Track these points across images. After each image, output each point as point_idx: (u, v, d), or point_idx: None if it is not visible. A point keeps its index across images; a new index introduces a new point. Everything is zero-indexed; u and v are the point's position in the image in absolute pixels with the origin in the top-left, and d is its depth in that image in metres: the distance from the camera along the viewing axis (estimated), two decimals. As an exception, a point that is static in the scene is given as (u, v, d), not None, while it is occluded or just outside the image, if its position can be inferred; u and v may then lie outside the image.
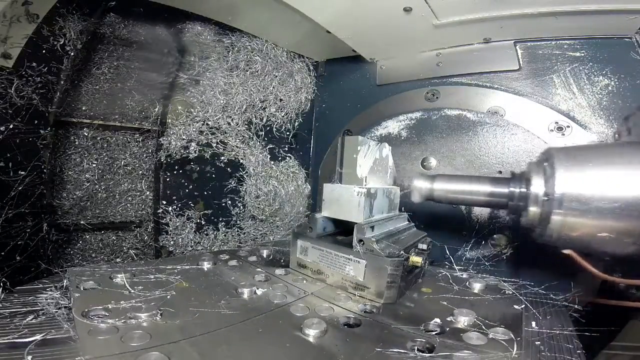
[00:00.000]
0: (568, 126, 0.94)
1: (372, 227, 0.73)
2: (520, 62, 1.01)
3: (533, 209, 0.67)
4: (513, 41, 1.01)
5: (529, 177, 0.69)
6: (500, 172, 1.01)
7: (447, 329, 0.57)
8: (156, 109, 1.10)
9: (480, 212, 1.02)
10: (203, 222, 1.16)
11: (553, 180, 0.63)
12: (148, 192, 1.15)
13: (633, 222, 0.58)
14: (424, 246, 0.79)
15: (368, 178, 0.80)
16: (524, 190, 0.71)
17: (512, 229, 0.98)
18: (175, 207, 1.10)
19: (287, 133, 1.38)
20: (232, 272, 0.78)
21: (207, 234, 1.17)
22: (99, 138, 1.05)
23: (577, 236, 0.63)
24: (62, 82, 0.88)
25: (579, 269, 0.66)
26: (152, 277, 0.69)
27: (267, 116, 1.30)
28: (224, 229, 1.21)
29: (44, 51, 0.82)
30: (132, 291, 0.60)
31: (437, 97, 1.15)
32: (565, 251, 0.65)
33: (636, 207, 0.58)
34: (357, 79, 1.35)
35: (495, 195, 0.78)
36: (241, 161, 1.23)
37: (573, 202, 0.61)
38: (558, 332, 0.57)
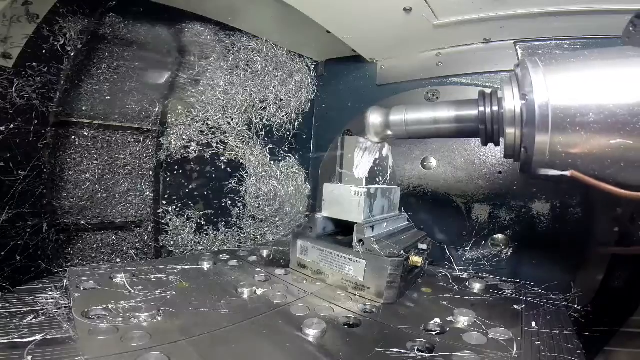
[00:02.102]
0: (568, 126, 0.94)
1: (372, 227, 0.73)
2: (520, 62, 1.01)
3: (510, 131, 0.55)
4: (513, 41, 1.01)
5: (502, 92, 0.57)
6: (500, 172, 1.01)
7: (447, 329, 0.57)
8: (156, 109, 1.10)
9: (480, 212, 1.02)
10: (203, 222, 1.16)
11: (529, 86, 0.49)
12: (148, 192, 1.15)
13: None
14: (424, 246, 0.79)
15: (368, 178, 0.80)
16: (496, 108, 0.59)
17: (512, 228, 0.98)
18: (175, 207, 1.10)
19: (287, 133, 1.38)
20: (232, 272, 0.78)
21: (207, 234, 1.17)
22: (99, 138, 1.05)
23: (579, 153, 0.47)
24: (62, 82, 0.88)
25: (591, 189, 0.49)
26: (152, 277, 0.69)
27: (267, 116, 1.30)
28: (224, 229, 1.21)
29: (44, 51, 0.82)
30: (132, 291, 0.60)
31: (437, 97, 1.15)
32: (567, 172, 0.50)
33: None
34: (357, 79, 1.35)
35: (462, 120, 0.65)
36: (241, 161, 1.23)
37: (559, 112, 0.46)
38: (558, 332, 0.57)
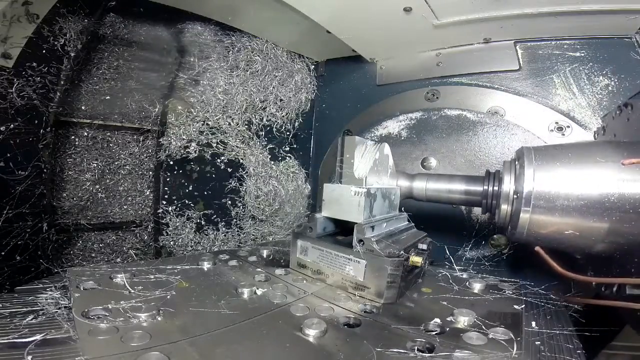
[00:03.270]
0: (568, 126, 0.94)
1: (372, 227, 0.73)
2: (520, 62, 1.02)
3: (504, 207, 0.70)
4: (513, 41, 1.01)
5: (502, 175, 0.72)
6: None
7: (447, 329, 0.57)
8: (156, 109, 1.10)
9: (481, 212, 1.02)
10: (203, 222, 1.16)
11: (522, 178, 0.65)
12: (148, 192, 1.15)
13: (598, 220, 0.59)
14: (424, 246, 0.79)
15: (368, 178, 0.80)
16: (496, 188, 0.74)
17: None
18: (175, 207, 1.10)
19: (287, 133, 1.38)
20: (232, 272, 0.78)
21: (207, 234, 1.17)
22: (99, 138, 1.05)
23: (545, 234, 0.64)
24: (62, 82, 0.88)
25: (547, 266, 0.65)
26: (152, 277, 0.69)
27: (267, 116, 1.30)
28: (224, 229, 1.21)
29: (44, 51, 0.82)
30: (132, 291, 0.60)
31: (437, 97, 1.15)
32: (535, 248, 0.66)
33: (601, 205, 0.58)
34: (357, 79, 1.35)
35: (470, 194, 0.81)
36: (241, 161, 1.23)
37: (540, 199, 0.62)
38: (558, 332, 0.57)
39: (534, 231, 0.65)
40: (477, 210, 1.03)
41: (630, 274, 0.58)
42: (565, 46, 0.96)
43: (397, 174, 0.90)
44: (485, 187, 0.77)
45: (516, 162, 0.70)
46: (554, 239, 0.65)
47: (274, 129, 1.33)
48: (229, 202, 1.22)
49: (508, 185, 0.69)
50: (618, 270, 0.62)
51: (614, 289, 0.62)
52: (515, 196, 0.67)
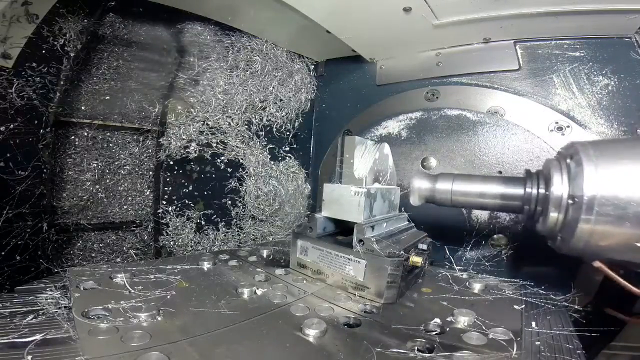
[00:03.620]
0: (568, 126, 0.94)
1: (372, 227, 0.73)
2: (520, 62, 1.02)
3: (554, 215, 0.57)
4: (513, 41, 1.01)
5: (548, 175, 0.59)
6: (500, 172, 1.01)
7: (447, 329, 0.57)
8: (156, 109, 1.10)
9: (480, 213, 1.02)
10: (203, 222, 1.16)
11: (580, 178, 0.52)
12: (148, 192, 1.15)
13: None
14: (424, 246, 0.79)
15: (367, 178, 0.80)
16: (542, 191, 0.61)
17: (512, 229, 0.98)
18: (175, 207, 1.10)
19: (287, 133, 1.38)
20: (232, 272, 0.78)
21: (207, 234, 1.17)
22: (99, 138, 1.05)
23: (608, 246, 0.52)
24: (62, 82, 0.88)
25: (611, 283, 0.57)
26: (152, 277, 0.69)
27: (267, 116, 1.30)
28: (224, 229, 1.21)
29: (43, 51, 0.82)
30: (132, 291, 0.60)
31: (437, 97, 1.15)
32: (595, 264, 0.56)
33: None
34: (357, 79, 1.35)
35: (507, 198, 0.67)
36: (241, 161, 1.23)
37: (606, 206, 0.50)
38: (558, 332, 0.57)
39: (594, 243, 0.53)
40: (477, 210, 1.03)
41: None
42: (565, 46, 0.96)
43: (418, 174, 0.79)
44: (529, 190, 0.63)
45: (568, 160, 0.57)
46: (619, 252, 0.53)
47: (274, 129, 1.33)
48: (229, 202, 1.22)
49: (559, 187, 0.57)
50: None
51: None
52: (570, 202, 0.55)
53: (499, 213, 0.99)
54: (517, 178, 0.67)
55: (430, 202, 0.77)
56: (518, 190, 0.66)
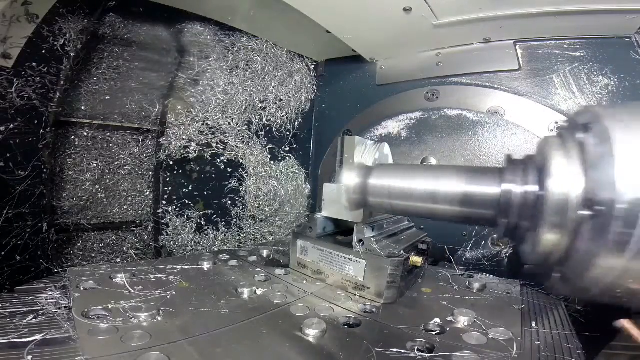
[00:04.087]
0: (568, 126, 0.94)
1: (372, 227, 0.73)
2: (520, 62, 1.02)
3: (552, 236, 0.32)
4: (513, 41, 1.01)
5: (544, 163, 0.34)
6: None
7: (447, 329, 0.57)
8: (156, 109, 1.10)
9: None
10: (203, 222, 1.16)
11: (610, 167, 0.27)
12: (148, 192, 1.15)
13: None
14: (424, 246, 0.79)
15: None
16: (532, 190, 0.36)
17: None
18: (175, 207, 1.10)
19: (287, 133, 1.38)
20: (232, 272, 0.78)
21: (207, 234, 1.17)
22: (99, 138, 1.05)
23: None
24: (62, 82, 0.88)
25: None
26: (152, 277, 0.69)
27: (267, 116, 1.30)
28: (224, 229, 1.21)
29: (44, 51, 0.82)
30: (132, 291, 0.60)
31: (437, 97, 1.15)
32: (619, 323, 0.40)
33: None
34: (357, 79, 1.35)
35: (473, 203, 0.42)
36: (241, 161, 1.23)
37: None
38: (558, 332, 0.57)
39: (625, 287, 0.30)
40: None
41: None
42: (565, 46, 0.96)
43: (346, 164, 0.61)
44: (508, 188, 0.38)
45: (581, 134, 0.32)
46: None
47: (274, 129, 1.33)
48: (229, 202, 1.22)
49: (564, 183, 0.31)
50: None
51: None
52: (587, 211, 0.30)
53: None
54: (490, 169, 0.43)
55: (363, 207, 0.54)
56: (490, 189, 0.39)
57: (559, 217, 0.31)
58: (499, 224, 0.39)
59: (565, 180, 0.31)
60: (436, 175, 0.44)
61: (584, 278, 0.31)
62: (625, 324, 0.43)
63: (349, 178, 0.52)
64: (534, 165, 0.37)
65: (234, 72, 1.19)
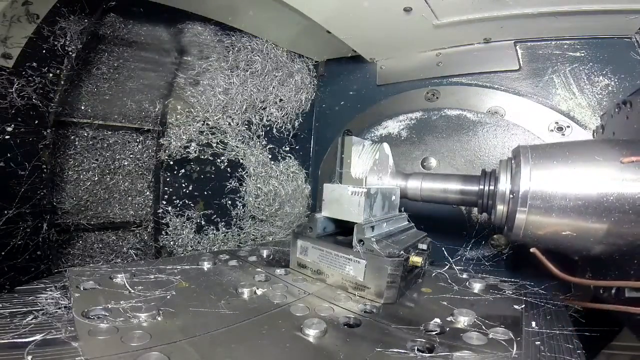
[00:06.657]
0: (568, 126, 0.94)
1: (372, 227, 0.73)
2: (520, 62, 1.02)
3: (500, 207, 0.68)
4: (513, 41, 1.01)
5: (498, 174, 0.71)
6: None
7: (447, 329, 0.57)
8: (156, 109, 1.10)
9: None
10: (203, 222, 1.16)
11: (518, 177, 0.63)
12: (148, 192, 1.15)
13: (597, 221, 0.57)
14: (424, 246, 0.79)
15: (368, 178, 0.80)
16: (492, 187, 0.73)
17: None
18: (175, 207, 1.10)
19: (287, 133, 1.38)
20: (232, 272, 0.78)
21: (207, 234, 1.17)
22: (99, 138, 1.05)
23: (542, 235, 0.63)
24: (62, 82, 0.88)
25: (544, 268, 0.65)
26: (152, 277, 0.69)
27: (267, 116, 1.30)
28: (224, 229, 1.21)
29: (44, 51, 0.82)
30: (132, 291, 0.60)
31: (437, 97, 1.15)
32: (531, 249, 0.65)
33: (599, 205, 0.56)
34: (357, 79, 1.35)
35: (466, 193, 0.80)
36: (241, 161, 1.23)
37: (536, 199, 0.61)
38: (558, 332, 0.56)
39: (530, 232, 0.63)
40: (477, 210, 1.02)
41: (629, 277, 0.57)
42: (565, 46, 0.96)
43: (393, 173, 0.89)
44: (481, 187, 0.75)
45: (512, 161, 0.69)
46: (551, 240, 0.63)
47: (274, 129, 1.33)
48: (229, 202, 1.22)
49: (504, 184, 0.68)
50: (617, 273, 0.61)
51: (613, 291, 0.61)
52: (511, 196, 0.65)
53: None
54: (474, 176, 0.79)
55: (405, 198, 0.89)
56: (474, 187, 0.77)
57: (502, 198, 0.68)
58: (478, 205, 0.78)
59: (504, 183, 0.69)
60: (446, 180, 0.85)
61: (513, 227, 0.65)
62: (537, 252, 0.64)
63: (396, 182, 0.89)
64: (494, 176, 0.74)
65: (234, 72, 1.19)
